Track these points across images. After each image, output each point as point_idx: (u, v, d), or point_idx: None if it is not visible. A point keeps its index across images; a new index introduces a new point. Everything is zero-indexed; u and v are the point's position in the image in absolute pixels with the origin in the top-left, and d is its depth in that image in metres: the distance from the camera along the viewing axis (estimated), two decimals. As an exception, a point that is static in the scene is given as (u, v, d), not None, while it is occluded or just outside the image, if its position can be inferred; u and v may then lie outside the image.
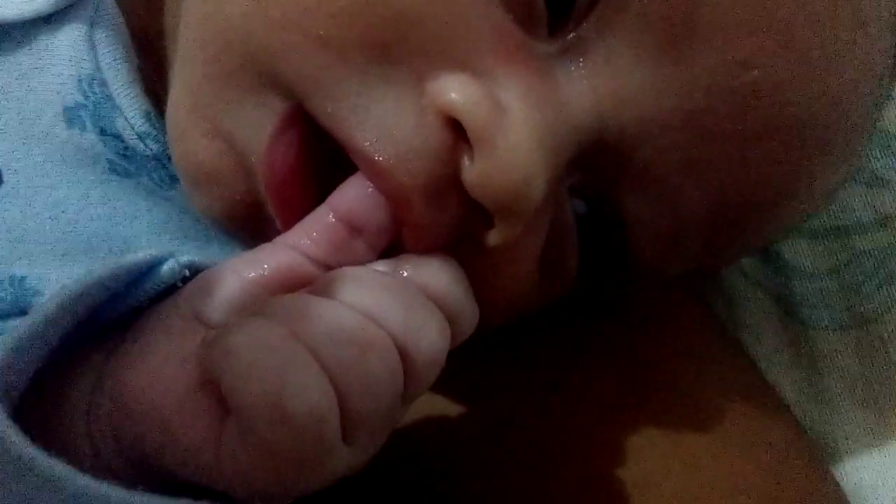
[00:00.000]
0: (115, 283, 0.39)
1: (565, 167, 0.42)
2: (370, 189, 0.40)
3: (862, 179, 0.60)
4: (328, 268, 0.40)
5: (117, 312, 0.40)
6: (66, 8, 0.47)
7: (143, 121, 0.47)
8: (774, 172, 0.44)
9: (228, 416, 0.36)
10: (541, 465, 0.51)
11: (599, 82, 0.41)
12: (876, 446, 0.61)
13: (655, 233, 0.46)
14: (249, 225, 0.44)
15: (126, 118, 0.47)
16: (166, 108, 0.45)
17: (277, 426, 0.34)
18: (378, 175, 0.40)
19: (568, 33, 0.41)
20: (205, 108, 0.43)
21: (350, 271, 0.40)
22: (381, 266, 0.41)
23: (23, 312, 0.48)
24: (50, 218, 0.47)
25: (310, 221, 0.41)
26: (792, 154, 0.44)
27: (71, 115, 0.47)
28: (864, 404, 0.61)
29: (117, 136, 0.47)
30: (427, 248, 0.41)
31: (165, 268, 0.40)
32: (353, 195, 0.40)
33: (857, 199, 0.60)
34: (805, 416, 0.62)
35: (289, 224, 0.42)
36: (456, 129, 0.39)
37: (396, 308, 0.38)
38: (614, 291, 0.53)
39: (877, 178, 0.60)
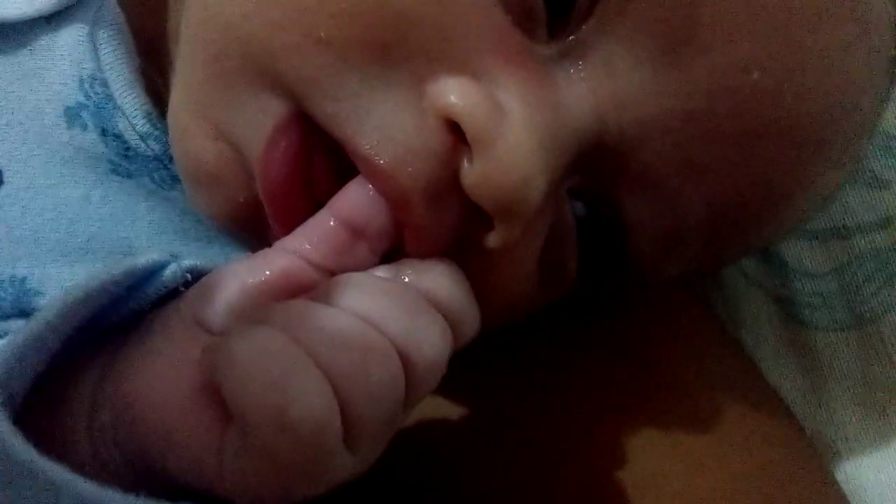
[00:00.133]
0: (117, 288, 0.39)
1: (565, 169, 0.42)
2: (371, 192, 0.40)
3: (862, 180, 0.60)
4: (329, 272, 0.40)
5: (119, 316, 0.40)
6: (67, 8, 0.47)
7: (144, 121, 0.47)
8: (774, 174, 0.44)
9: (230, 422, 0.36)
10: (541, 465, 0.51)
11: (599, 84, 0.41)
12: (877, 447, 0.61)
13: (655, 234, 0.46)
14: (251, 226, 0.44)
15: (127, 118, 0.47)
16: (168, 109, 0.45)
17: (280, 433, 0.34)
18: (379, 177, 0.40)
19: (568, 35, 0.41)
20: (206, 109, 0.43)
21: (351, 277, 0.40)
22: (382, 271, 0.41)
23: (23, 313, 0.48)
24: (51, 218, 0.47)
25: (310, 226, 0.41)
26: (792, 156, 0.44)
27: (72, 116, 0.47)
28: (865, 405, 0.61)
29: (119, 137, 0.47)
30: (427, 251, 0.41)
31: (168, 272, 0.40)
32: (354, 198, 0.40)
33: (857, 200, 0.60)
34: (806, 417, 0.62)
35: (285, 228, 0.42)
36: (456, 132, 0.39)
37: (398, 314, 0.38)
38: (614, 293, 0.53)
39: (877, 179, 0.60)
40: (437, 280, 0.41)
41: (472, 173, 0.39)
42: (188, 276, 0.41)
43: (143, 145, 0.47)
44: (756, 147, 0.43)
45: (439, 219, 0.40)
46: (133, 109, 0.47)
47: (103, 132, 0.47)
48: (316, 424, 0.35)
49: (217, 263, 0.42)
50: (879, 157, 0.60)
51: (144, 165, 0.48)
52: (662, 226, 0.45)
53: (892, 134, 0.59)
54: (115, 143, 0.47)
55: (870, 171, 0.60)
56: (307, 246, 0.41)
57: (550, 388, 0.54)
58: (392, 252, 0.42)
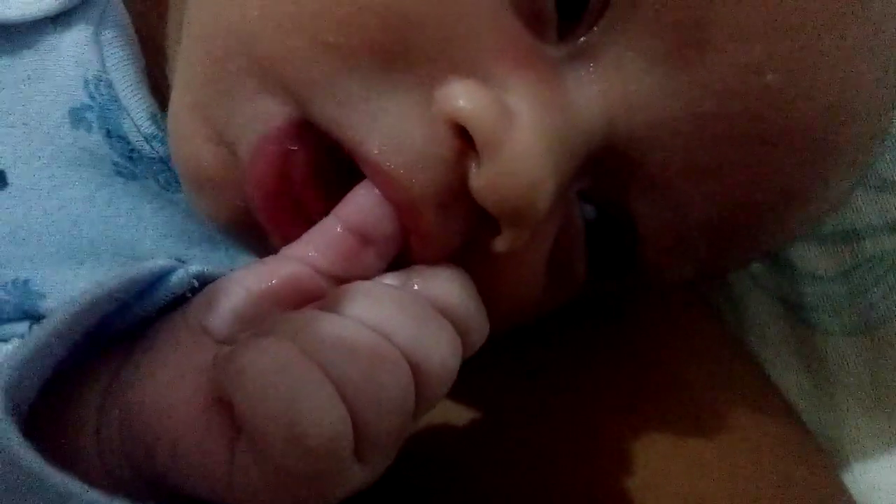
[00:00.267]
0: (124, 295, 0.39)
1: (574, 172, 0.41)
2: (378, 197, 0.40)
3: (871, 183, 0.60)
4: (336, 279, 0.40)
5: (125, 323, 0.40)
6: (72, 8, 0.46)
7: (149, 123, 0.47)
8: (785, 177, 0.44)
9: (240, 432, 0.36)
10: (544, 466, 0.51)
11: (609, 87, 0.41)
12: (884, 450, 0.61)
13: (664, 237, 0.45)
14: (252, 230, 0.44)
15: (133, 120, 0.47)
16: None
17: (292, 447, 0.34)
18: (387, 184, 0.39)
19: (578, 37, 0.41)
20: (205, 111, 0.42)
21: (360, 286, 0.39)
22: (390, 279, 0.41)
23: (27, 315, 0.48)
24: (55, 220, 0.47)
25: (317, 232, 0.41)
26: (803, 159, 0.44)
27: (77, 117, 0.47)
28: (873, 409, 0.61)
29: (123, 138, 0.47)
30: (434, 257, 0.41)
31: (175, 278, 0.40)
32: (361, 204, 0.40)
33: (866, 203, 0.60)
34: (813, 420, 0.62)
35: (279, 235, 0.42)
36: (464, 136, 0.39)
37: (408, 323, 0.38)
38: (622, 295, 0.53)
39: (886, 182, 0.60)
40: (446, 287, 0.40)
41: (479, 178, 0.39)
42: (195, 282, 0.40)
43: (147, 147, 0.47)
44: (767, 150, 0.42)
45: (447, 225, 0.40)
46: (138, 111, 0.47)
47: (108, 133, 0.47)
48: (327, 437, 0.35)
49: (224, 269, 0.42)
50: (888, 159, 0.60)
51: (149, 167, 0.47)
52: (671, 228, 0.45)
53: (900, 136, 0.59)
54: (119, 145, 0.47)
55: (879, 175, 0.60)
56: (314, 252, 0.40)
57: (553, 388, 0.54)
58: (398, 257, 0.41)
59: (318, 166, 0.41)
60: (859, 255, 0.61)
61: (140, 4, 0.48)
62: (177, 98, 0.44)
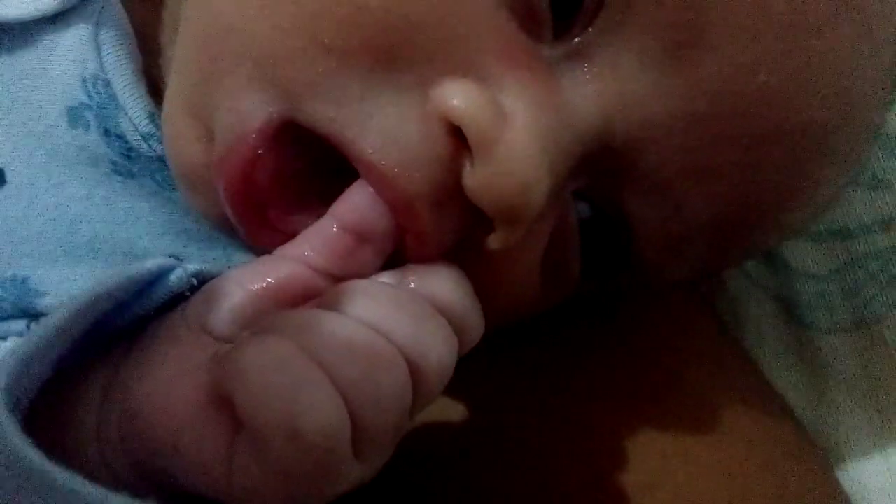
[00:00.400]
0: (123, 293, 0.39)
1: (569, 171, 0.42)
2: (373, 196, 0.40)
3: (864, 182, 0.60)
4: (333, 277, 0.40)
5: (124, 321, 0.40)
6: (71, 8, 0.46)
7: (146, 121, 0.47)
8: (780, 177, 0.44)
9: (239, 430, 0.36)
10: (544, 466, 0.51)
11: (604, 86, 0.41)
12: (879, 448, 0.61)
13: (659, 236, 0.46)
14: None
15: (130, 119, 0.46)
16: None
17: (291, 445, 0.34)
18: (382, 182, 0.39)
19: (573, 37, 0.41)
20: (198, 110, 0.42)
21: (357, 284, 0.39)
22: (386, 277, 0.41)
23: (25, 313, 0.47)
24: (52, 218, 0.47)
25: (313, 231, 0.41)
26: (797, 158, 0.44)
27: (75, 115, 0.47)
28: (867, 407, 0.61)
29: (121, 137, 0.47)
30: (429, 255, 0.41)
31: (173, 277, 0.40)
32: (357, 203, 0.40)
33: (859, 202, 0.60)
34: (808, 418, 0.62)
35: (249, 236, 0.42)
36: (459, 136, 0.39)
37: (405, 321, 0.38)
38: (618, 294, 0.53)
39: (879, 180, 0.60)
40: (442, 285, 0.40)
41: (474, 177, 0.39)
42: (194, 281, 0.41)
43: (145, 145, 0.47)
44: (761, 150, 0.43)
45: (441, 223, 0.40)
46: (136, 110, 0.46)
47: (106, 132, 0.47)
48: (326, 435, 0.35)
49: (222, 267, 0.42)
50: (881, 158, 0.60)
51: (147, 166, 0.47)
52: (667, 228, 0.45)
53: (893, 135, 0.59)
54: (117, 144, 0.47)
55: (871, 173, 0.60)
56: (310, 252, 0.41)
57: (551, 388, 0.54)
58: (393, 255, 0.42)
59: (285, 176, 0.41)
60: (853, 254, 0.61)
61: (138, 4, 0.48)
62: (171, 97, 0.44)
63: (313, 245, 0.41)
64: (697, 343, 0.58)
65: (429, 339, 0.38)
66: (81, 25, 0.46)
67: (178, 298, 0.41)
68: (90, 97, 0.47)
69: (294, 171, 0.41)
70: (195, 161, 0.43)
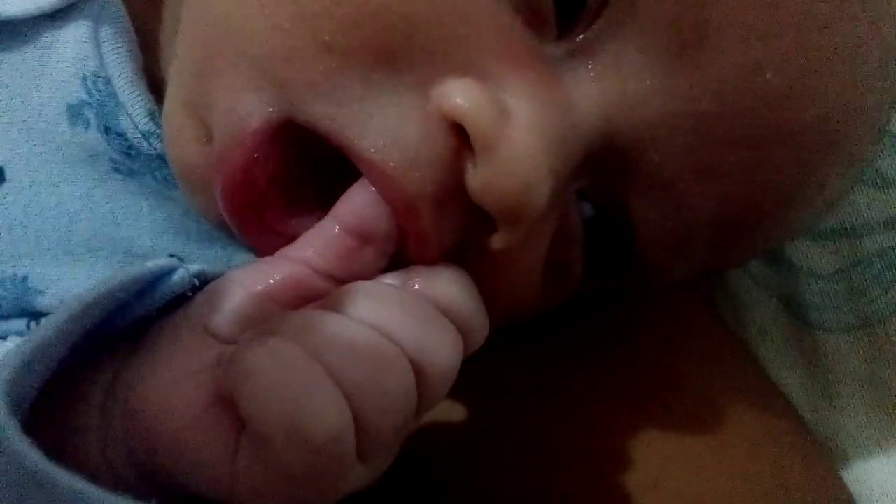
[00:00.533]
0: (125, 294, 0.39)
1: (572, 171, 0.41)
2: (374, 196, 0.40)
3: (869, 180, 0.60)
4: (336, 279, 0.40)
5: (126, 322, 0.40)
6: (71, 5, 0.46)
7: (147, 119, 0.47)
8: (784, 176, 0.44)
9: (243, 431, 0.36)
10: (543, 466, 0.51)
11: (608, 84, 0.41)
12: (884, 448, 0.61)
13: (662, 235, 0.45)
14: None
15: (130, 117, 0.46)
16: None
17: (296, 447, 0.34)
18: (383, 182, 0.39)
19: (577, 35, 0.41)
20: (197, 109, 0.42)
21: (361, 286, 0.39)
22: (390, 279, 0.41)
23: (24, 312, 0.48)
24: (53, 217, 0.47)
25: (315, 233, 0.41)
26: (801, 158, 0.44)
27: (75, 113, 0.47)
28: (872, 406, 0.61)
29: (121, 135, 0.47)
30: (432, 255, 0.41)
31: (176, 277, 0.40)
32: (358, 203, 0.40)
33: (864, 200, 0.60)
34: (812, 418, 0.62)
35: (246, 237, 0.42)
36: (461, 135, 0.39)
37: (410, 323, 0.38)
38: (621, 294, 0.53)
39: (884, 179, 0.60)
40: (447, 287, 0.40)
41: (476, 177, 0.39)
42: (196, 281, 0.40)
43: (145, 144, 0.47)
44: (765, 149, 0.42)
45: (443, 223, 0.40)
46: (136, 107, 0.46)
47: (106, 130, 0.47)
48: (331, 437, 0.35)
49: (223, 267, 0.42)
50: (886, 157, 0.60)
51: (147, 164, 0.47)
52: (670, 227, 0.45)
53: (898, 134, 0.59)
54: (117, 142, 0.47)
55: (877, 172, 0.60)
56: (312, 253, 0.40)
57: (553, 388, 0.54)
58: (395, 256, 0.41)
59: (283, 178, 0.41)
60: (858, 253, 0.61)
61: (138, 2, 0.48)
62: (171, 96, 0.44)
63: (315, 246, 0.41)
64: (698, 342, 0.58)
65: (433, 342, 0.38)
66: (81, 23, 0.46)
67: (180, 299, 0.40)
68: (90, 95, 0.46)
69: (291, 174, 0.41)
70: (195, 161, 0.43)
